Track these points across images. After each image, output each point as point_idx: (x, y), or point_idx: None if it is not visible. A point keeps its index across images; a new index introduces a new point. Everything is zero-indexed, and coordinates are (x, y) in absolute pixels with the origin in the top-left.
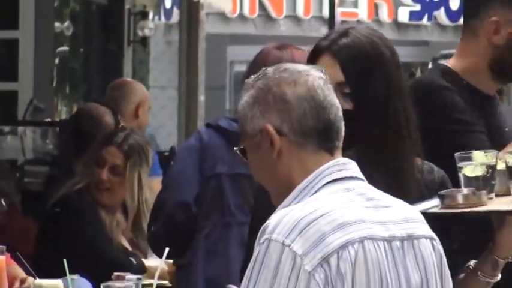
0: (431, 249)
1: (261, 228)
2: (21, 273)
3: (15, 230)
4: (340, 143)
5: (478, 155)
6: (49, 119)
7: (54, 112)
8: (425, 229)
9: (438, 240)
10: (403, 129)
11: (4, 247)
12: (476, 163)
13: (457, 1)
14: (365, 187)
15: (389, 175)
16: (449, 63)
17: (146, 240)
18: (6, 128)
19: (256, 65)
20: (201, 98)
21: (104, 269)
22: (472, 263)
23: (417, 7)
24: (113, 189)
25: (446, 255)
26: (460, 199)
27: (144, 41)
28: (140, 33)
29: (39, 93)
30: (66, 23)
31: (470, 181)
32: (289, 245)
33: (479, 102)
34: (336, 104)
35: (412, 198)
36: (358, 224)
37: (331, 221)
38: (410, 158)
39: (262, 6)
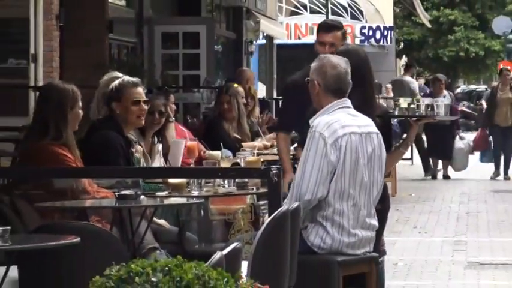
0: (377, 138)
1: (310, 127)
2: (202, 148)
3: (198, 131)
4: (346, 94)
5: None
6: (213, 85)
7: (215, 83)
8: (374, 129)
9: (380, 135)
10: (370, 86)
11: (196, 138)
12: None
13: None
14: (352, 111)
15: (368, 104)
16: None
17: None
18: (195, 89)
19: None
20: (274, 75)
21: (230, 147)
22: (397, 144)
23: None
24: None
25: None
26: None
27: (251, 53)
28: (250, 49)
29: (209, 75)
30: (220, 45)
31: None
32: (322, 133)
33: None
34: (348, 79)
35: (379, 112)
36: (349, 127)
37: (339, 124)
38: (374, 97)
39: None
